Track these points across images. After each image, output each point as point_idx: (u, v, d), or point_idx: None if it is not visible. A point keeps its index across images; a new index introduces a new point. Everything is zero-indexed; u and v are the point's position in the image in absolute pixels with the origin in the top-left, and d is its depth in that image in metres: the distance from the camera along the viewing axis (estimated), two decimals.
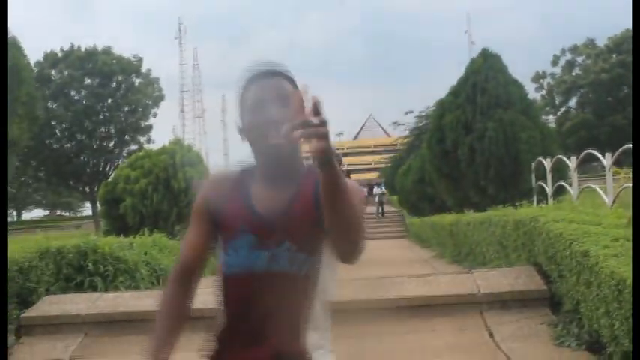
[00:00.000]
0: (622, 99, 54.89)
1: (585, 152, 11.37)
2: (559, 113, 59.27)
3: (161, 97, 56.04)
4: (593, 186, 11.40)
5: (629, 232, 6.11)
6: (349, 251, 1.99)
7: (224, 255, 2.19)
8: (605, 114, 54.16)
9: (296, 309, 2.19)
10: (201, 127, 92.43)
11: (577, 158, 11.76)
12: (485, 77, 15.55)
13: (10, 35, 7.42)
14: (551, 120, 60.39)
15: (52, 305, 8.01)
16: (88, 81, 52.34)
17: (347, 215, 1.90)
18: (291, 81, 2.24)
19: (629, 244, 5.57)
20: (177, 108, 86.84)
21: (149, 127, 54.81)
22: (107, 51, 53.03)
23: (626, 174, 23.44)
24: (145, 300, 7.95)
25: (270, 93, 2.16)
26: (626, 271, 4.84)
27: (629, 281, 4.61)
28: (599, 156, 10.24)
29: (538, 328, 6.86)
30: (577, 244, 6.03)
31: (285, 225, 2.14)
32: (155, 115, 55.50)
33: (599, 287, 5.34)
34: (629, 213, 7.05)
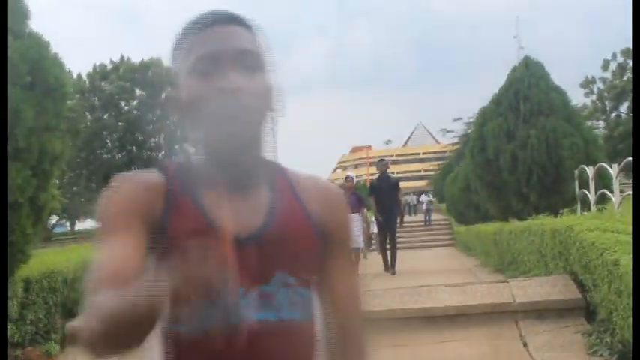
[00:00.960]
0: None
1: (626, 160, 11.27)
2: (610, 118, 58.48)
3: None
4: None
5: None
6: None
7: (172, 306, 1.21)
8: None
9: None
10: None
11: (618, 165, 11.68)
12: (527, 85, 15.49)
13: (52, 52, 7.61)
14: (602, 125, 59.78)
15: None
16: (138, 92, 53.19)
17: None
18: (258, 34, 1.57)
19: None
20: None
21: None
22: (157, 62, 53.78)
23: None
24: None
25: (228, 45, 1.49)
26: None
27: None
28: None
29: (572, 337, 6.88)
30: (608, 253, 6.05)
31: (274, 248, 1.44)
32: None
33: (629, 297, 5.36)
34: None
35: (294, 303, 1.45)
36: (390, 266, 15.32)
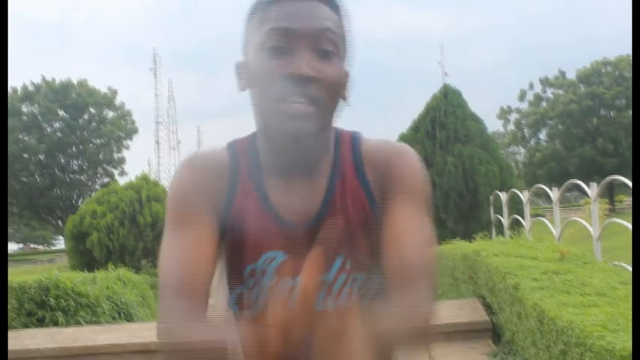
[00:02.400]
0: (591, 131, 55.76)
1: (535, 186, 11.76)
2: (530, 145, 60.02)
3: (134, 130, 56.19)
4: (544, 219, 11.76)
5: (560, 265, 6.46)
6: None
7: (235, 289, 1.48)
8: (574, 145, 54.95)
9: None
10: (176, 159, 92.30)
11: (529, 192, 12.14)
12: (444, 112, 15.98)
13: None
14: (521, 152, 61.31)
15: (12, 340, 8.20)
16: (61, 114, 52.47)
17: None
18: (339, 10, 1.46)
19: (557, 278, 5.92)
20: (153, 139, 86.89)
21: (122, 160, 54.90)
22: (82, 83, 53.24)
23: (605, 204, 23.96)
24: (104, 334, 8.18)
25: (306, 24, 1.38)
26: (547, 303, 5.16)
27: (549, 313, 4.92)
28: (547, 190, 10.62)
29: (479, 358, 7.14)
30: (510, 277, 6.34)
31: (331, 232, 1.36)
32: (128, 147, 55.65)
33: (527, 319, 5.65)
34: (566, 247, 7.41)
35: (353, 290, 1.43)
36: None
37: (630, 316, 4.27)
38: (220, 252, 1.46)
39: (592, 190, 8.68)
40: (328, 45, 1.39)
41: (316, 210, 1.44)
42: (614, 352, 3.71)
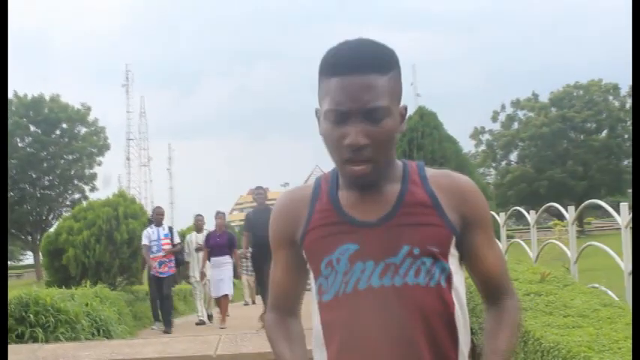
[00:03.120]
0: (561, 153, 56.38)
1: (513, 208, 11.95)
2: (501, 166, 60.49)
3: (107, 147, 55.87)
4: (520, 241, 11.93)
5: (541, 287, 6.59)
6: None
7: (317, 282, 1.85)
8: (545, 167, 55.50)
9: (438, 334, 1.77)
10: (147, 176, 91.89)
11: (506, 214, 12.32)
12: (421, 134, 16.15)
13: None
14: (492, 173, 61.77)
15: None
16: (32, 129, 52.08)
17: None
18: (389, 69, 1.79)
19: (540, 299, 6.04)
20: (124, 156, 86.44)
21: (93, 176, 54.54)
22: (54, 99, 52.88)
23: (563, 226, 24.22)
24: (85, 351, 8.17)
25: (355, 103, 1.72)
26: (532, 324, 5.27)
27: (534, 334, 5.04)
28: (525, 213, 10.80)
29: None
30: None
31: (400, 226, 1.78)
32: (100, 164, 55.33)
33: None
34: (546, 269, 7.55)
35: (419, 271, 1.76)
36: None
37: (614, 338, 4.40)
38: (305, 266, 1.92)
39: (570, 214, 8.85)
40: (378, 114, 1.73)
41: (388, 209, 1.80)
42: None
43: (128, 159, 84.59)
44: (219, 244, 13.35)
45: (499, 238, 12.30)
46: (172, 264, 13.18)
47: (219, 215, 13.67)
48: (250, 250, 11.81)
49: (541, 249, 10.04)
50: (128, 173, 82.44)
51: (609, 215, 8.34)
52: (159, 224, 13.21)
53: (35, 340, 9.03)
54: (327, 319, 1.82)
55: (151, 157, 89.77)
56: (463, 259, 1.88)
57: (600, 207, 9.05)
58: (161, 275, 12.92)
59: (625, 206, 7.22)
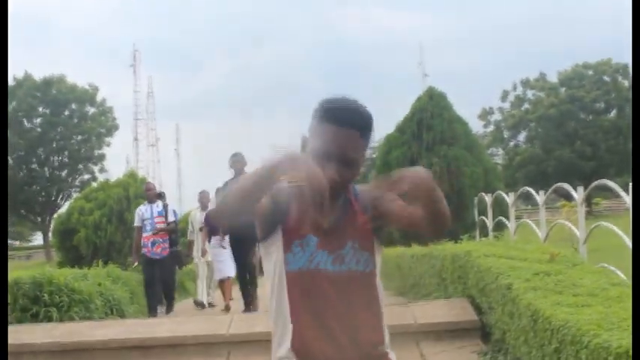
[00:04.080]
0: (570, 134, 56.27)
1: (522, 189, 12.00)
2: (509, 147, 60.43)
3: (115, 127, 56.08)
4: (529, 221, 11.98)
5: (550, 266, 6.66)
6: (440, 228, 2.36)
7: (286, 253, 2.35)
8: (553, 148, 55.43)
9: (372, 308, 2.39)
10: (154, 156, 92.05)
11: (515, 193, 12.37)
12: (430, 115, 16.19)
13: None
14: (501, 154, 61.73)
15: (10, 335, 8.28)
16: (41, 109, 52.24)
17: (441, 206, 2.30)
18: (369, 130, 2.38)
19: (549, 278, 6.10)
20: (131, 136, 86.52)
21: (102, 156, 54.78)
22: (61, 79, 53.00)
23: (572, 207, 24.25)
24: (100, 330, 8.28)
25: (339, 150, 2.29)
26: (541, 303, 5.34)
27: (544, 312, 5.10)
28: (534, 193, 10.84)
29: (469, 357, 7.33)
30: (503, 278, 6.52)
31: (346, 228, 2.37)
32: (109, 145, 55.53)
33: (520, 318, 5.84)
34: (555, 249, 7.62)
35: (359, 261, 2.37)
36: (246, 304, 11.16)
37: (623, 316, 4.47)
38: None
39: (579, 194, 8.89)
40: (352, 160, 2.33)
41: (335, 215, 2.39)
42: (609, 349, 3.88)
43: (136, 139, 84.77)
44: (208, 225, 12.65)
45: (507, 219, 12.38)
46: (167, 245, 12.27)
47: (204, 194, 12.94)
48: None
49: (550, 229, 10.09)
50: (136, 153, 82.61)
51: (618, 196, 8.37)
52: (151, 201, 12.45)
53: (50, 319, 9.14)
54: (293, 293, 2.32)
55: (158, 137, 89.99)
56: (388, 223, 2.46)
57: (609, 188, 9.09)
58: (154, 257, 12.05)
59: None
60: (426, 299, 10.19)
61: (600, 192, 44.61)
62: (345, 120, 2.30)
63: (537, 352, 5.36)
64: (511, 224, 12.15)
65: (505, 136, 61.13)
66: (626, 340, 3.82)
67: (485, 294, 7.42)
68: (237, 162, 10.54)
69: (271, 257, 2.38)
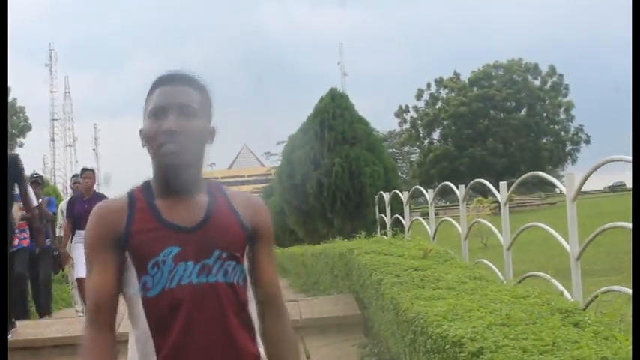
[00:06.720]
0: (481, 132, 57.55)
1: (414, 187, 12.37)
2: (424, 145, 61.46)
3: (28, 127, 55.03)
4: (420, 219, 12.36)
5: (422, 262, 6.96)
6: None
7: (141, 279, 2.07)
8: (465, 145, 56.59)
9: (243, 322, 2.13)
10: (72, 157, 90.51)
11: (409, 192, 12.75)
12: (332, 115, 16.46)
13: None
14: (417, 152, 62.78)
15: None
16: None
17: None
18: (202, 90, 2.20)
19: (416, 273, 6.39)
20: (48, 137, 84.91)
21: None
22: None
23: (480, 202, 24.79)
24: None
25: (172, 100, 2.11)
26: (403, 296, 5.61)
27: (402, 305, 5.39)
28: (424, 191, 11.22)
29: (350, 349, 7.61)
30: (376, 274, 6.80)
31: (212, 233, 2.11)
32: (22, 145, 54.42)
33: (387, 311, 6.13)
34: (431, 246, 7.96)
35: (226, 272, 2.09)
36: None
37: (469, 307, 4.78)
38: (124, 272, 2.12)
39: (460, 192, 9.21)
40: (190, 111, 2.13)
41: (201, 217, 2.12)
42: (447, 338, 4.18)
43: (53, 140, 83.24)
44: (87, 213, 9.62)
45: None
46: (26, 234, 9.95)
47: (87, 174, 9.63)
48: None
49: (437, 225, 10.44)
50: (53, 154, 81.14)
51: (528, 192, 8.64)
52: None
53: None
54: (154, 319, 2.07)
55: (76, 137, 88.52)
56: (248, 267, 2.23)
57: (521, 184, 9.22)
58: (13, 249, 8.42)
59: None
60: (324, 295, 10.46)
61: (516, 188, 45.60)
62: (170, 78, 2.17)
63: (400, 342, 5.64)
64: (406, 222, 12.49)
65: (421, 134, 62.11)
66: (464, 330, 4.12)
67: (364, 289, 7.70)
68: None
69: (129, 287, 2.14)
